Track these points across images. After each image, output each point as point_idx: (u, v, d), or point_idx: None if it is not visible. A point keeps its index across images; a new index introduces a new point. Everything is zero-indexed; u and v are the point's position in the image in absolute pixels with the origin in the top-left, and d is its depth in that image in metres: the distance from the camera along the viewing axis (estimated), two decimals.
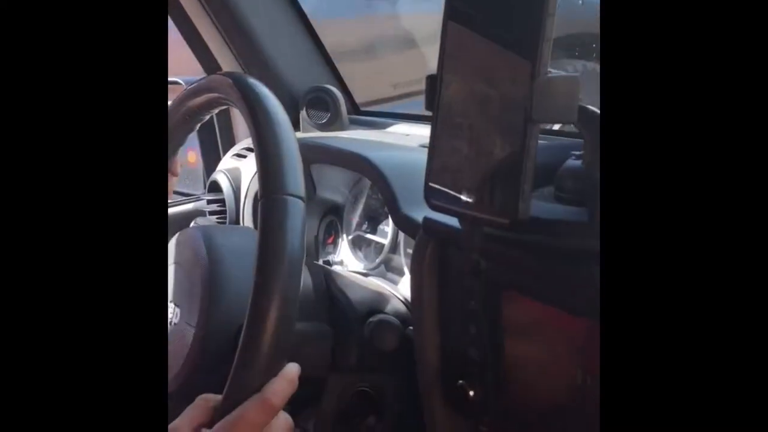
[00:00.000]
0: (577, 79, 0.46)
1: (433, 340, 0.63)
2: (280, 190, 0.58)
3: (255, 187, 1.09)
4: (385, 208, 0.95)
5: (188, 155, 1.33)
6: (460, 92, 0.51)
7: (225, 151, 1.22)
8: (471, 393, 0.57)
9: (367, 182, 0.99)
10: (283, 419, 0.56)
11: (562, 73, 0.46)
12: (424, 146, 0.97)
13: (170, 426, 0.55)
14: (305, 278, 0.71)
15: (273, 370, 0.56)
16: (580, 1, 1.04)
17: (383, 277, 0.93)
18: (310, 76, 1.20)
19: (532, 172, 0.46)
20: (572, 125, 0.51)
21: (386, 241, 0.94)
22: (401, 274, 0.91)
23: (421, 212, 0.73)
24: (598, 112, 0.48)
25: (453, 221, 0.57)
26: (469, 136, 0.50)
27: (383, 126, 1.14)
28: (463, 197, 0.49)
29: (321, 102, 1.15)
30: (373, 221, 1.00)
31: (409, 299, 0.78)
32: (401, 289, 0.85)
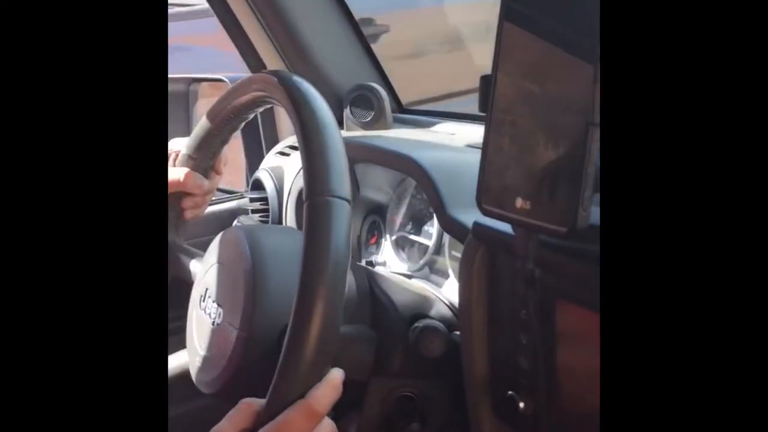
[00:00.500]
0: None
1: (481, 349, 0.62)
2: (325, 191, 0.57)
3: (298, 185, 1.08)
4: (430, 209, 0.94)
5: None
6: (515, 94, 0.49)
7: (268, 149, 1.22)
8: (521, 405, 0.55)
9: (412, 182, 0.97)
10: (327, 425, 0.55)
11: None
12: (470, 146, 0.95)
13: (213, 429, 0.54)
14: (349, 280, 0.71)
15: (317, 374, 0.55)
16: None
17: (427, 279, 0.91)
18: (354, 73, 1.19)
19: (592, 178, 0.44)
20: None
21: (430, 243, 0.92)
22: (445, 276, 0.90)
23: (467, 214, 0.72)
24: None
25: (504, 226, 0.55)
26: (524, 139, 0.48)
27: (428, 125, 1.13)
28: (518, 203, 0.47)
29: (365, 100, 1.14)
30: (416, 222, 0.98)
31: (454, 303, 0.77)
32: (445, 292, 0.83)
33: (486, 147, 0.51)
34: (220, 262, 0.75)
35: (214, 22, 1.18)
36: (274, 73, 0.68)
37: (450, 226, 0.74)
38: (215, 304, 0.73)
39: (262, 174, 1.14)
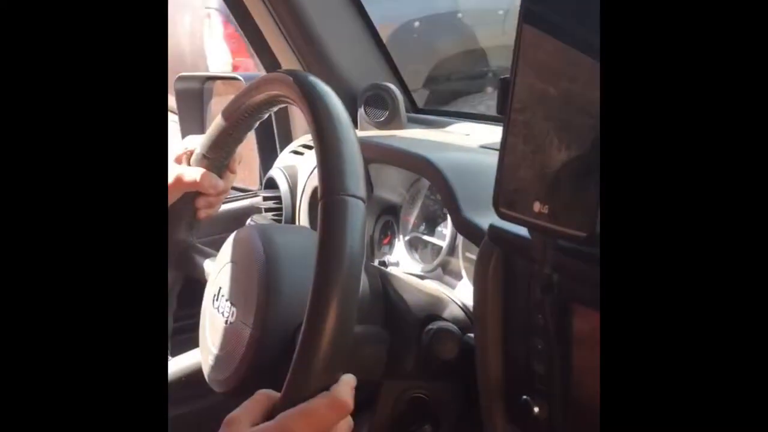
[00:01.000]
0: None
1: (495, 352, 0.61)
2: (341, 190, 0.57)
3: (312, 184, 1.08)
4: (444, 210, 0.93)
5: None
6: (533, 96, 0.49)
7: (282, 148, 1.22)
8: (536, 409, 0.55)
9: (425, 182, 0.97)
10: (348, 423, 0.55)
11: None
12: (485, 147, 0.95)
13: (229, 417, 0.55)
14: (362, 280, 0.70)
15: (331, 373, 0.55)
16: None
17: (440, 280, 0.91)
18: (368, 73, 1.19)
19: None
20: None
21: (444, 244, 0.92)
22: (459, 277, 0.89)
23: (482, 216, 0.72)
24: None
25: (520, 230, 0.55)
26: (542, 142, 0.48)
27: (442, 125, 1.12)
28: (536, 207, 0.47)
29: (379, 100, 1.14)
30: (430, 222, 0.98)
31: (467, 304, 0.77)
32: (458, 293, 0.83)
33: (503, 150, 0.51)
34: (234, 261, 0.75)
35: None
36: (290, 72, 0.68)
37: (464, 227, 0.73)
38: (228, 303, 0.73)
39: (276, 173, 1.14)
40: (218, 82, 1.34)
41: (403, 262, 1.00)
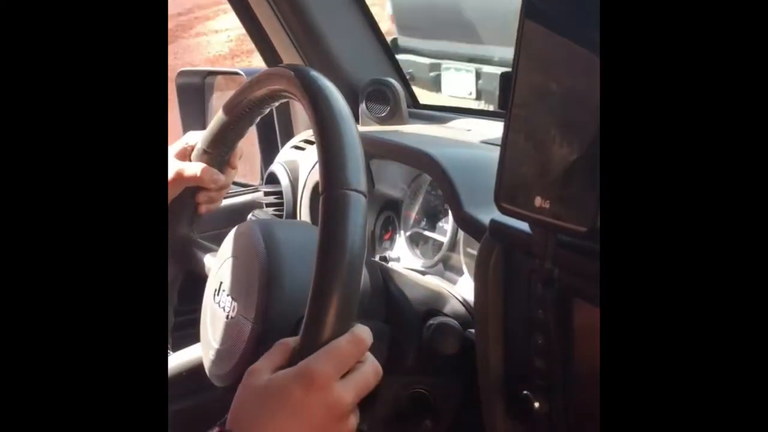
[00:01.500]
0: None
1: (496, 347, 0.61)
2: (342, 185, 0.57)
3: (313, 179, 1.08)
4: (445, 205, 0.93)
5: None
6: (535, 92, 0.48)
7: (283, 143, 1.22)
8: (536, 405, 0.55)
9: (427, 178, 0.97)
10: (372, 362, 0.56)
11: None
12: (486, 142, 0.95)
13: (251, 368, 0.55)
14: (363, 275, 0.70)
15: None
16: None
17: (441, 275, 0.91)
18: (370, 68, 1.19)
19: None
20: None
21: (445, 239, 0.92)
22: (460, 273, 0.89)
23: (483, 212, 0.71)
24: None
25: (521, 225, 0.54)
26: (543, 137, 0.47)
27: (444, 120, 1.12)
28: (537, 202, 0.47)
29: (381, 95, 1.13)
30: (431, 218, 0.98)
31: (468, 300, 0.77)
32: (459, 289, 0.83)
33: (505, 145, 0.51)
34: (235, 256, 0.75)
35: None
36: (291, 67, 0.67)
37: (466, 223, 0.73)
38: (229, 298, 0.73)
39: (277, 168, 1.14)
40: (219, 77, 1.34)
41: (404, 258, 1.00)
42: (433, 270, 0.93)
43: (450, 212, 0.86)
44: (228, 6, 1.16)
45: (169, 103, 0.67)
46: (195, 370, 0.86)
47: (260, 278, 0.69)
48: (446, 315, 0.73)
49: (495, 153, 0.53)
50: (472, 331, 0.69)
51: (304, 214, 1.10)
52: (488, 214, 0.63)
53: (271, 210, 1.14)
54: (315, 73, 0.64)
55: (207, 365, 0.75)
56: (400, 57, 2.96)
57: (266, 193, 1.15)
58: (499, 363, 0.61)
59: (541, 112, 0.48)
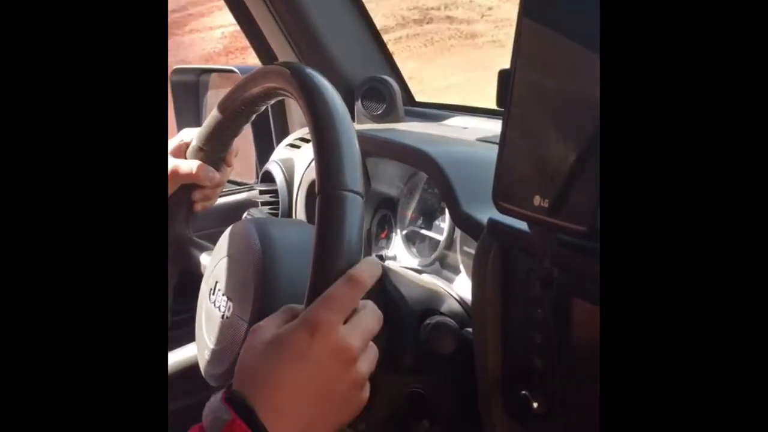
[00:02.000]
0: None
1: (494, 347, 0.61)
2: (339, 185, 0.56)
3: (309, 178, 1.08)
4: (441, 204, 0.93)
5: None
6: (534, 90, 0.48)
7: (278, 141, 1.21)
8: (535, 405, 0.54)
9: (423, 176, 0.97)
10: (373, 308, 0.56)
11: None
12: (482, 140, 0.94)
13: (255, 326, 0.55)
14: None
15: None
16: None
17: (438, 274, 0.91)
18: (365, 66, 1.19)
19: None
20: None
21: (441, 238, 0.92)
22: (456, 272, 0.89)
23: (480, 210, 0.71)
24: None
25: (519, 224, 0.54)
26: (542, 136, 0.47)
27: (440, 118, 1.12)
28: (536, 201, 0.47)
29: (377, 93, 1.13)
30: (428, 216, 0.97)
31: (465, 298, 0.76)
32: (456, 287, 0.83)
33: (503, 143, 0.50)
34: (230, 255, 0.75)
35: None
36: (287, 65, 0.67)
37: (463, 221, 0.73)
38: (225, 298, 0.73)
39: (272, 166, 1.14)
40: (214, 74, 1.33)
41: (400, 256, 1.00)
42: (429, 269, 0.93)
43: (447, 210, 0.86)
44: (222, 2, 1.16)
45: None
46: (190, 370, 0.85)
47: (256, 278, 0.69)
48: (443, 314, 0.73)
49: (492, 151, 0.53)
50: (469, 330, 0.69)
51: (299, 212, 1.10)
52: (485, 212, 0.63)
53: (266, 208, 1.14)
54: (311, 71, 0.64)
55: (202, 365, 0.75)
56: None
57: (262, 192, 1.14)
58: (497, 362, 0.61)
59: (540, 111, 0.47)
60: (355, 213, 0.56)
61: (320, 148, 0.58)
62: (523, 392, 0.55)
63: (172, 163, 0.83)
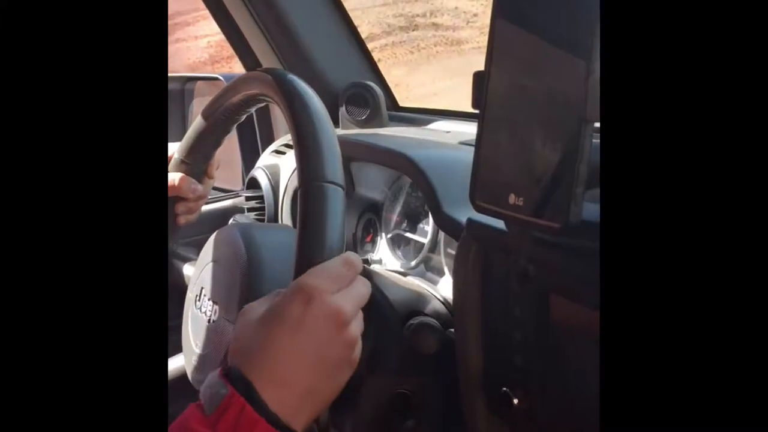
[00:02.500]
0: None
1: (475, 345, 0.62)
2: (319, 178, 0.57)
3: (294, 183, 1.08)
4: (425, 207, 0.94)
5: None
6: (508, 90, 0.49)
7: (264, 148, 1.22)
8: (515, 401, 0.55)
9: (407, 180, 0.97)
10: (364, 283, 0.56)
11: None
12: (464, 143, 0.95)
13: (245, 307, 0.56)
14: None
15: None
16: None
17: (422, 276, 0.92)
18: (349, 72, 1.19)
19: (585, 174, 0.44)
20: None
21: (426, 241, 0.93)
22: (441, 274, 0.90)
23: (463, 212, 0.72)
24: None
25: (498, 223, 0.55)
26: (517, 135, 0.48)
27: (423, 122, 1.13)
28: (511, 199, 0.47)
29: (360, 98, 1.14)
30: (412, 220, 0.98)
31: (449, 300, 0.77)
32: (441, 289, 0.83)
33: (479, 143, 0.51)
34: (215, 260, 0.75)
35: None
36: (268, 70, 0.68)
37: (445, 223, 0.74)
38: (210, 302, 0.73)
39: (258, 173, 1.14)
40: (200, 82, 1.34)
41: (386, 260, 1.01)
42: (414, 271, 0.94)
43: (430, 214, 0.87)
44: (208, 12, 1.17)
45: None
46: (177, 380, 0.85)
47: (241, 281, 0.69)
48: (427, 315, 0.74)
49: (473, 153, 0.54)
50: (453, 330, 0.69)
51: (285, 217, 1.10)
52: (467, 214, 0.64)
53: (252, 215, 1.14)
54: (291, 76, 0.65)
55: (189, 371, 0.75)
56: None
57: (248, 198, 1.15)
58: (478, 360, 0.62)
59: (514, 111, 0.48)
60: (337, 204, 0.56)
61: (300, 146, 0.59)
62: (504, 389, 0.56)
63: None
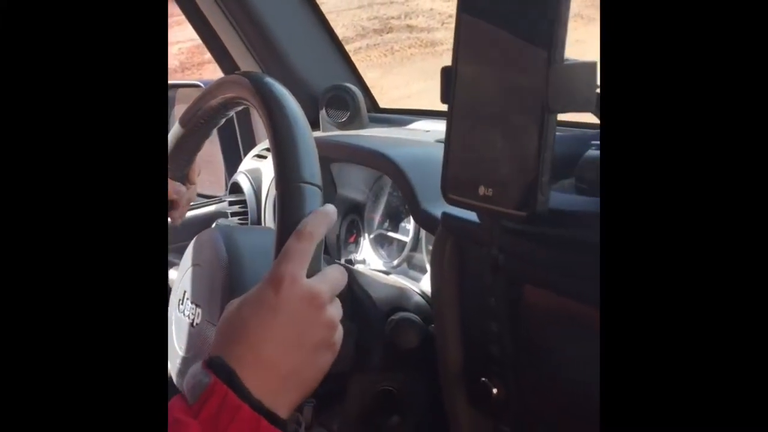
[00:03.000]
0: (595, 65, 0.45)
1: (454, 337, 0.62)
2: (296, 179, 0.57)
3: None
4: (407, 206, 0.94)
5: None
6: (475, 84, 0.50)
7: (246, 153, 1.22)
8: (494, 391, 0.56)
9: (388, 180, 0.98)
10: (338, 269, 0.56)
11: (580, 59, 0.45)
12: (440, 141, 0.96)
13: (228, 303, 0.56)
14: None
15: None
16: None
17: (405, 274, 0.92)
18: (329, 74, 1.20)
19: (550, 163, 0.45)
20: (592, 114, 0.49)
21: (408, 239, 0.93)
22: (423, 271, 0.90)
23: (440, 208, 0.72)
24: None
25: (471, 216, 0.56)
26: (485, 128, 0.49)
27: (404, 123, 1.13)
28: (481, 191, 0.48)
29: (340, 101, 1.14)
30: (394, 219, 0.99)
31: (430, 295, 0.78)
32: (423, 286, 0.84)
33: (449, 137, 0.52)
34: (197, 264, 0.75)
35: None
36: (245, 74, 0.68)
37: (424, 219, 0.74)
38: (193, 305, 0.73)
39: (240, 177, 1.14)
40: (180, 90, 1.34)
41: (369, 260, 1.01)
42: (398, 270, 0.94)
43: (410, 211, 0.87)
44: (180, 18, 1.17)
45: None
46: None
47: (223, 282, 0.70)
48: (409, 311, 0.74)
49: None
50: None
51: (268, 220, 1.11)
52: (445, 209, 0.64)
53: (236, 219, 1.15)
54: (268, 79, 0.65)
55: (174, 375, 0.75)
56: None
57: (231, 203, 1.15)
58: (458, 353, 0.62)
59: (481, 104, 0.49)
60: (315, 204, 0.57)
61: (277, 148, 0.59)
62: (483, 379, 0.56)
63: None
